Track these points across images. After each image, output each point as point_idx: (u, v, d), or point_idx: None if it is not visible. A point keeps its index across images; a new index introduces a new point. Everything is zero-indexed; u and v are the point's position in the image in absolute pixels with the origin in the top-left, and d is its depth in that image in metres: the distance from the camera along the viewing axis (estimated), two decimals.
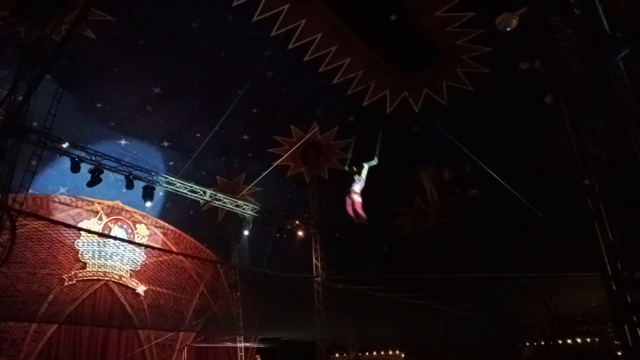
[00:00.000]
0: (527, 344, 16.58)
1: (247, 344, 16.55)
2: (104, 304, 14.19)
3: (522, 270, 11.38)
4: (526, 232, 12.11)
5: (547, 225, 11.67)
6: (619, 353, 13.73)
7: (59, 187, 13.34)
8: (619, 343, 11.43)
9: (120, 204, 14.63)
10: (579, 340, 15.61)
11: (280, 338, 14.75)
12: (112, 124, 12.32)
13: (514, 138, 12.37)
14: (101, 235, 13.80)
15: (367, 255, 16.13)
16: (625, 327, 4.25)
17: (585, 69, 6.02)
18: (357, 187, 9.25)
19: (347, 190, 9.20)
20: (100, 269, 14.16)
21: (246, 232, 14.70)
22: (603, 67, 5.16)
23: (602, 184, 4.74)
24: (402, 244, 15.40)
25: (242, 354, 16.37)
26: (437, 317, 12.27)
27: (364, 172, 9.33)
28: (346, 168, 9.53)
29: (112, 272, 14.39)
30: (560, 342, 15.64)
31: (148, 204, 12.44)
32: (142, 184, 12.07)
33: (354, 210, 9.16)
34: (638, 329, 4.21)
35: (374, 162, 9.42)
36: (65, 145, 10.86)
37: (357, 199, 9.21)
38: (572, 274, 9.49)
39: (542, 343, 16.25)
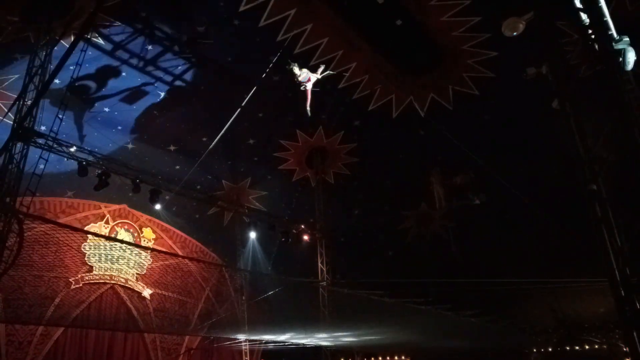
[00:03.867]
0: (535, 350, 16.46)
1: (253, 348, 16.54)
2: (110, 307, 14.22)
3: (529, 275, 11.32)
4: (533, 237, 12.04)
5: (555, 231, 11.61)
6: None
7: (66, 190, 13.42)
8: (627, 350, 11.30)
9: (127, 208, 14.69)
10: (586, 346, 15.47)
11: (285, 342, 14.71)
12: (119, 128, 12.39)
13: (520, 143, 12.32)
14: (108, 238, 13.85)
15: (372, 259, 16.10)
16: (634, 333, 4.21)
17: (592, 73, 6.00)
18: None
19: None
20: (106, 273, 14.21)
21: (252, 236, 14.73)
22: (610, 72, 5.14)
23: (610, 188, 4.71)
24: (408, 248, 15.36)
25: (248, 357, 16.35)
26: (442, 323, 12.20)
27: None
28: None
29: (119, 276, 14.43)
30: (567, 348, 15.51)
31: (159, 206, 12.51)
32: (149, 187, 12.12)
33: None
34: None
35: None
36: (73, 149, 10.94)
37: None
38: (580, 280, 9.42)
39: (550, 349, 16.12)
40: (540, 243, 12.36)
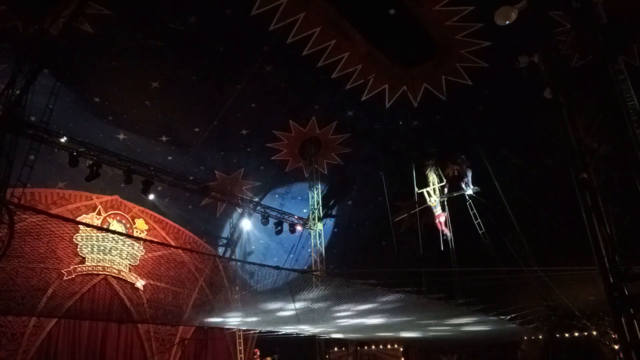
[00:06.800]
0: (525, 338, 16.66)
1: (247, 337, 16.62)
2: (103, 298, 14.18)
3: (521, 264, 11.42)
4: (524, 226, 12.15)
5: (545, 219, 11.71)
6: (616, 346, 13.82)
7: (57, 181, 13.31)
8: (616, 336, 11.48)
9: (119, 199, 14.60)
10: (576, 334, 15.70)
11: (279, 332, 14.79)
12: (110, 118, 12.28)
13: (513, 132, 12.38)
14: (100, 229, 13.77)
15: (365, 250, 16.19)
16: (623, 319, 4.28)
17: (584, 63, 6.01)
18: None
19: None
20: (99, 264, 14.15)
21: (245, 227, 14.72)
22: (602, 61, 5.16)
23: (600, 177, 4.75)
24: (401, 238, 15.42)
25: (242, 347, 16.42)
26: (435, 312, 12.30)
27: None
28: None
29: (111, 267, 14.37)
30: (558, 336, 15.72)
31: (151, 197, 12.45)
32: (141, 178, 12.06)
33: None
34: (635, 322, 4.24)
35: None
36: (63, 140, 10.84)
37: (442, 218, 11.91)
38: (570, 268, 9.52)
39: (540, 337, 16.33)
40: (532, 232, 12.46)
